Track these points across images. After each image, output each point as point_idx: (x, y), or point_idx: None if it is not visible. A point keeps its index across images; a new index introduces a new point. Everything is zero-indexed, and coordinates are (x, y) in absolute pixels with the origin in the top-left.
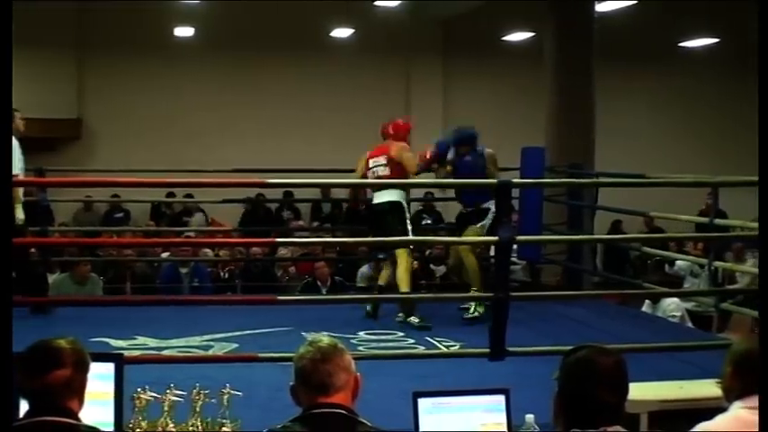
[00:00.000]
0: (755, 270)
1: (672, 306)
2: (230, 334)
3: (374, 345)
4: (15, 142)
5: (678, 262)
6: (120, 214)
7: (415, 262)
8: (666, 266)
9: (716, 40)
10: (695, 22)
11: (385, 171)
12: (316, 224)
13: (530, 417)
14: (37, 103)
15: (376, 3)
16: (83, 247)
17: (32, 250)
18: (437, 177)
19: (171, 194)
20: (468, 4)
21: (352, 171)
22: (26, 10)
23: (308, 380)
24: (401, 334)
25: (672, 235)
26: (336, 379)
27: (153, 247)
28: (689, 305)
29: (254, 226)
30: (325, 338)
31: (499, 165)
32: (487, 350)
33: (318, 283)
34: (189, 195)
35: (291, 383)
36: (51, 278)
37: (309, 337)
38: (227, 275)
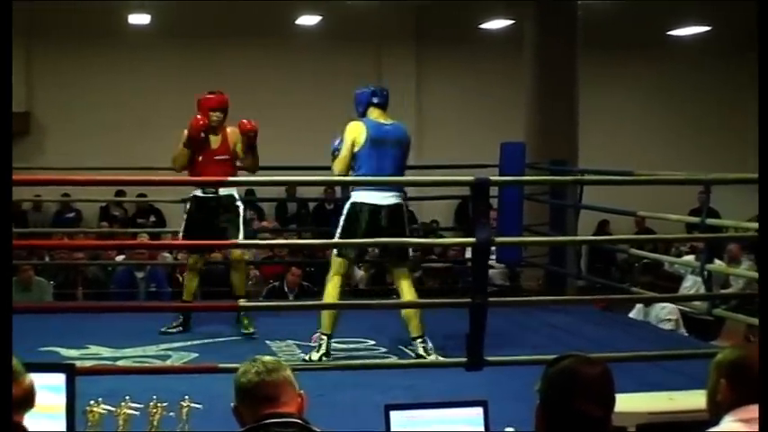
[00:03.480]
0: (751, 273)
1: (666, 311)
2: (189, 343)
3: (344, 354)
4: None
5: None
6: (72, 214)
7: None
8: (666, 264)
9: (707, 28)
10: (686, 8)
11: None
12: (273, 224)
13: (509, 430)
14: None
15: None
16: (31, 250)
17: None
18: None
19: (121, 193)
20: None
21: (322, 168)
22: None
23: (255, 393)
24: (372, 343)
25: (660, 236)
26: (283, 392)
27: (106, 250)
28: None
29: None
30: (267, 357)
31: (477, 161)
32: (464, 360)
33: (286, 288)
34: (142, 194)
35: (233, 404)
36: None
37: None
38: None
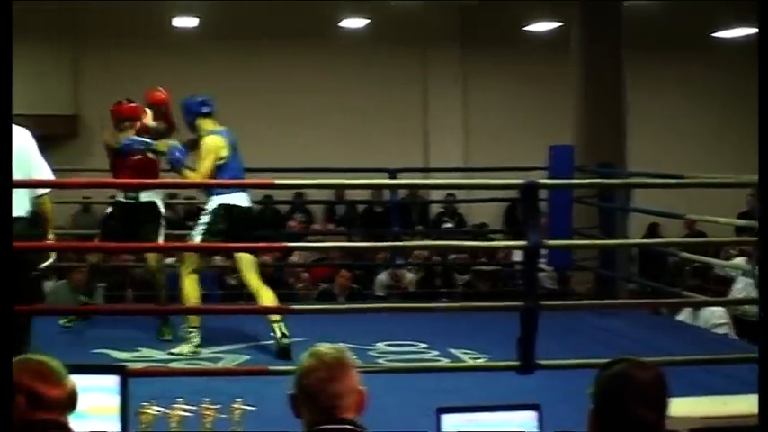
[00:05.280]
0: None
1: (717, 313)
2: (240, 345)
3: (394, 357)
4: None
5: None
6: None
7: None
8: (717, 267)
9: (754, 30)
10: (730, 9)
11: None
12: (331, 227)
13: None
14: (32, 99)
15: None
16: (81, 253)
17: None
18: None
19: (172, 195)
20: None
21: (368, 170)
22: (19, 4)
23: (315, 400)
24: (423, 345)
25: (709, 239)
26: (344, 401)
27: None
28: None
29: (263, 229)
30: (330, 350)
31: (524, 164)
32: (516, 363)
33: (336, 291)
34: (191, 197)
35: (291, 392)
36: (47, 286)
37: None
38: (236, 282)
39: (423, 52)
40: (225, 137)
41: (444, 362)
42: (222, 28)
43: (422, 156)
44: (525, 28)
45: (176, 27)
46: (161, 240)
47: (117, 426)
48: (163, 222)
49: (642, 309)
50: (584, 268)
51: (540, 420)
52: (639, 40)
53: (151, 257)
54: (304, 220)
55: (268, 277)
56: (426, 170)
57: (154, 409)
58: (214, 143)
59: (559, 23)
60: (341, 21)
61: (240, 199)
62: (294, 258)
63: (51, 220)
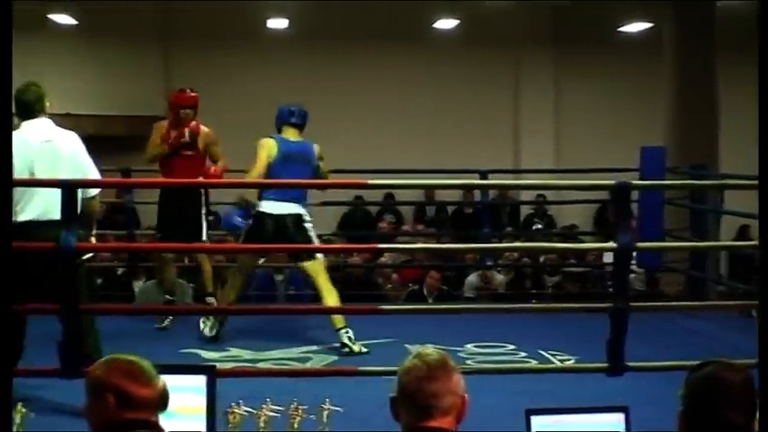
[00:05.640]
0: None
1: None
2: (329, 346)
3: (483, 358)
4: None
5: None
6: (210, 217)
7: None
8: None
9: None
10: None
11: None
12: (420, 227)
13: None
14: (123, 100)
15: None
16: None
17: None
18: None
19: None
20: None
21: (459, 171)
22: (110, 4)
23: (413, 400)
24: (512, 347)
25: None
26: (442, 402)
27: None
28: None
29: (353, 230)
30: (434, 353)
31: (616, 165)
32: (605, 365)
33: (425, 292)
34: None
35: (392, 395)
36: (137, 286)
37: (416, 349)
38: None
39: (515, 53)
40: (279, 142)
41: (533, 363)
42: (313, 29)
43: (512, 158)
44: (618, 29)
45: (269, 29)
46: (205, 240)
47: (204, 425)
48: (204, 222)
49: (732, 311)
50: (673, 270)
51: (628, 422)
52: (732, 40)
53: (200, 257)
54: (394, 221)
55: (358, 278)
56: (517, 171)
57: (242, 410)
58: (264, 145)
59: (651, 24)
60: (433, 22)
61: (277, 208)
62: (384, 259)
63: (95, 220)
